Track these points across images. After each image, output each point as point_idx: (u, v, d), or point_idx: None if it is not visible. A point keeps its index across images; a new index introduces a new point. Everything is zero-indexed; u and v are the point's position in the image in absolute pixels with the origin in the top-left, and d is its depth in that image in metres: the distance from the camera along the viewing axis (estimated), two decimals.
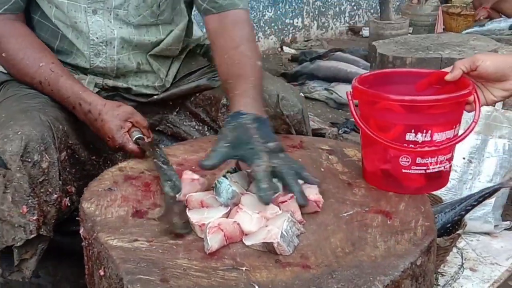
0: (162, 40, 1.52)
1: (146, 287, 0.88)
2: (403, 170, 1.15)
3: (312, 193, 1.11)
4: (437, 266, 1.77)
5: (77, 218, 1.15)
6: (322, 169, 1.29)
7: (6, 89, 1.45)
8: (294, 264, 0.95)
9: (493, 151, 2.07)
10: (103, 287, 1.00)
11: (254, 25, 4.97)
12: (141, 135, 1.34)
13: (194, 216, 1.05)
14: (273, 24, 5.13)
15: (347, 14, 5.89)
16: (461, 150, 2.05)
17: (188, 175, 1.17)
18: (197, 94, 1.60)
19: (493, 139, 2.07)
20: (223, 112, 1.54)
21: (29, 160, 1.19)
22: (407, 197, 1.16)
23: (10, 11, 1.39)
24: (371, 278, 0.90)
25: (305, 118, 1.52)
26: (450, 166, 1.21)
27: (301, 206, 1.07)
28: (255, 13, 4.96)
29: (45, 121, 1.26)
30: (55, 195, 1.24)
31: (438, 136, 1.13)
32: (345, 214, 1.10)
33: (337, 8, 5.77)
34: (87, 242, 1.08)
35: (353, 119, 1.29)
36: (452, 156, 1.20)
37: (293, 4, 5.28)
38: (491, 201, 1.98)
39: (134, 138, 1.33)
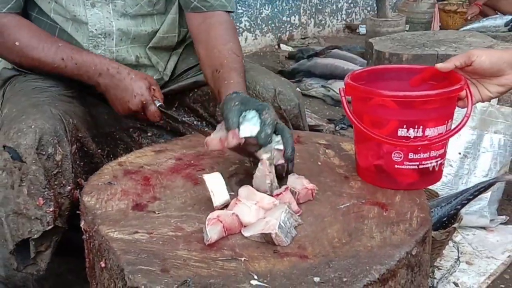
0: (158, 30, 1.55)
1: (147, 277, 0.90)
2: (396, 166, 1.16)
3: (305, 182, 1.14)
4: (433, 260, 1.79)
5: (78, 212, 1.17)
6: (319, 163, 1.31)
7: (13, 85, 1.48)
8: (292, 254, 0.96)
9: (488, 146, 2.09)
10: (104, 278, 1.02)
11: (251, 22, 5.00)
12: (162, 104, 1.45)
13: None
14: (270, 22, 5.15)
15: (344, 12, 5.91)
16: (457, 145, 2.07)
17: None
18: (196, 90, 1.62)
19: (488, 134, 2.10)
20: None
21: (44, 153, 1.21)
22: (402, 190, 1.17)
23: (13, 10, 1.42)
24: (367, 267, 0.92)
25: (301, 113, 1.54)
26: (443, 162, 1.22)
27: (286, 162, 1.16)
28: (252, 11, 4.98)
29: (56, 115, 1.28)
30: (69, 187, 1.26)
31: (430, 132, 1.13)
32: (342, 206, 1.12)
33: (334, 6, 5.79)
34: (88, 235, 1.09)
35: None
36: (445, 151, 1.21)
37: (290, 2, 5.30)
38: (487, 195, 2.00)
39: (157, 105, 1.44)
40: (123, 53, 1.51)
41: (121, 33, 1.50)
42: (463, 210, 1.82)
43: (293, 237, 1.01)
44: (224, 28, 1.49)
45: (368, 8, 6.13)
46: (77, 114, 1.38)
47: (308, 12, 5.50)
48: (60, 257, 1.37)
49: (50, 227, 1.22)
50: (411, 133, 1.13)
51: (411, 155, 1.15)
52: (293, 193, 1.12)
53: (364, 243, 0.99)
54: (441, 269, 1.83)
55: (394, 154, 1.16)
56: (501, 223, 2.11)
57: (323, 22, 5.67)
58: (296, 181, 1.15)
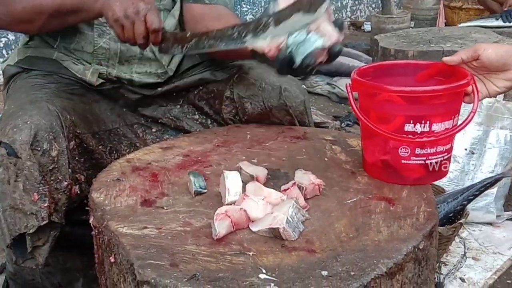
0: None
1: (156, 272, 0.91)
2: (403, 161, 1.17)
3: (312, 178, 1.15)
4: (440, 256, 1.79)
5: (86, 208, 1.18)
6: (326, 159, 1.32)
7: (15, 82, 1.49)
8: (300, 249, 0.97)
9: (494, 142, 2.09)
10: (114, 273, 1.03)
11: None
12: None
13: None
14: None
15: (348, 9, 5.90)
16: (463, 141, 2.07)
17: None
18: (201, 87, 1.62)
19: (494, 130, 2.09)
20: (227, 105, 1.57)
21: (39, 148, 1.22)
22: (409, 185, 1.18)
23: None
24: (375, 261, 0.93)
25: (307, 109, 1.54)
26: (450, 157, 1.22)
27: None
28: (257, 9, 4.98)
29: (53, 111, 1.29)
30: (65, 183, 1.27)
31: (437, 127, 1.14)
32: (349, 201, 1.13)
33: (339, 3, 5.78)
34: (97, 231, 1.10)
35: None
36: (452, 146, 1.21)
37: None
38: (493, 191, 2.00)
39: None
40: (127, 44, 1.51)
41: None
42: (469, 206, 1.82)
43: (301, 231, 1.02)
44: (224, 18, 1.48)
45: (373, 5, 6.12)
46: (76, 110, 1.38)
47: None
48: (65, 253, 1.38)
49: (45, 222, 1.22)
50: (418, 128, 1.13)
51: (417, 150, 1.16)
52: (300, 188, 1.13)
53: (371, 238, 1.00)
54: (447, 264, 1.83)
55: (401, 149, 1.16)
56: (507, 219, 2.10)
57: None
58: (303, 177, 1.16)
